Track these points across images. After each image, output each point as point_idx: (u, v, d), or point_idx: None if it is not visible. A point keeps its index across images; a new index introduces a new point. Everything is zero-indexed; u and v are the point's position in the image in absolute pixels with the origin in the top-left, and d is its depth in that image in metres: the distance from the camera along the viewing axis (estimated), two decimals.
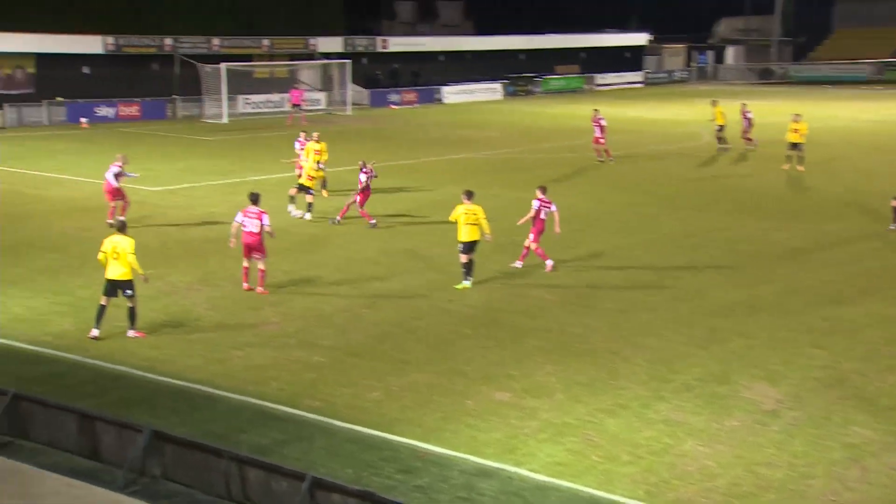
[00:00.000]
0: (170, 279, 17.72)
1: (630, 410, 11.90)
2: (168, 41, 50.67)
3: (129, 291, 14.37)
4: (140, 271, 14.38)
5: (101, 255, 14.47)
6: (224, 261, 19.04)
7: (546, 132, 43.60)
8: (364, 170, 22.83)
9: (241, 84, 50.60)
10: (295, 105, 47.43)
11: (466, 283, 17.28)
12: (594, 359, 13.73)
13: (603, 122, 33.44)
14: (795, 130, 31.60)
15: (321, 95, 55.70)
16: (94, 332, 14.34)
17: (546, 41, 72.80)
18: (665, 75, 79.45)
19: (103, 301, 14.40)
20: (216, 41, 52.49)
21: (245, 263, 17.03)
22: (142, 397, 12.09)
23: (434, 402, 12.05)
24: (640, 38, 79.77)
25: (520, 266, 18.69)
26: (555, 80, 69.98)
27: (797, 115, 32.34)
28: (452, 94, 61.65)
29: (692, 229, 22.53)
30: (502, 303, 16.43)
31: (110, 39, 48.72)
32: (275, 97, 52.16)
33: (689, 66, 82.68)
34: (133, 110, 48.13)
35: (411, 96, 59.46)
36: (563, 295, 16.92)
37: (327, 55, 57.25)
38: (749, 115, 36.18)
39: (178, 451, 9.93)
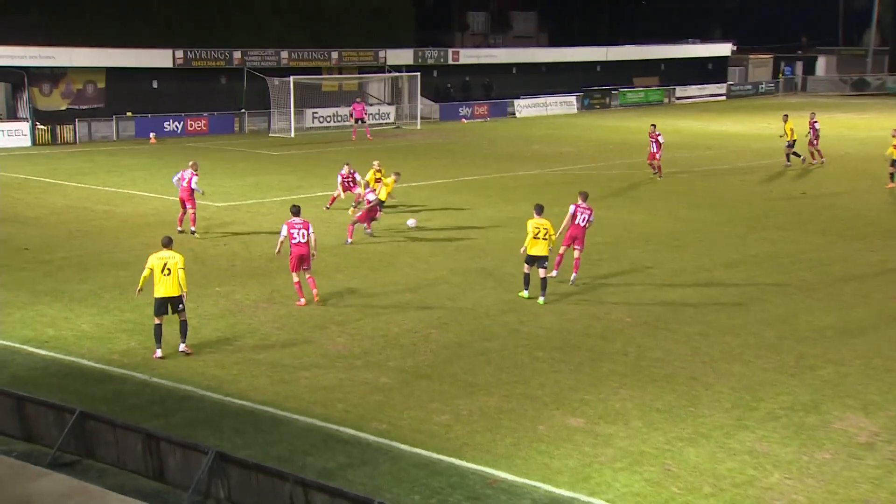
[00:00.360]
0: (235, 297, 18.03)
1: (712, 440, 11.69)
2: (237, 55, 51.74)
3: (180, 306, 14.65)
4: (185, 287, 14.59)
5: (146, 272, 14.58)
6: (290, 279, 19.32)
7: (623, 147, 43.26)
8: (368, 189, 23.27)
9: (309, 97, 51.34)
10: (358, 119, 47.96)
11: (525, 294, 17.78)
12: (673, 385, 13.53)
13: (661, 139, 33.27)
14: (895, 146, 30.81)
15: (390, 109, 56.21)
16: (158, 353, 14.65)
17: (623, 52, 72.32)
18: (750, 87, 78.16)
19: (157, 320, 14.63)
20: (285, 54, 53.40)
21: (296, 278, 17.53)
22: (207, 418, 12.31)
23: (504, 427, 12.01)
24: (723, 49, 78.66)
25: (574, 279, 18.77)
26: (633, 93, 69.44)
27: None
28: (525, 107, 61.62)
29: (780, 250, 22.10)
30: (577, 324, 16.33)
31: (179, 53, 49.94)
32: (343, 110, 52.75)
33: (776, 77, 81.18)
34: (201, 125, 49.19)
35: (483, 110, 59.61)
36: (642, 317, 16.74)
37: (397, 68, 57.75)
38: (816, 126, 35.91)
39: (243, 473, 10.08)
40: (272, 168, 36.38)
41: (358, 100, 50.53)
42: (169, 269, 14.49)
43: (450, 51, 62.93)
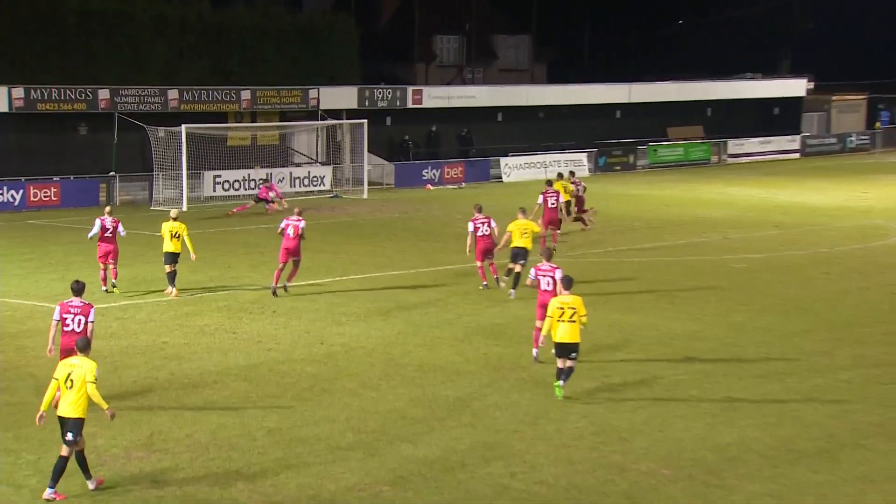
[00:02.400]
0: (97, 442, 17.78)
1: None
2: (103, 94, 51.69)
3: (69, 436, 15.37)
4: (103, 405, 15.48)
5: (52, 384, 15.64)
6: (178, 415, 19.15)
7: (655, 225, 43.71)
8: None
9: (210, 155, 51.33)
10: (262, 200, 46.98)
11: (560, 384, 19.87)
12: None
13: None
14: None
15: (325, 171, 56.48)
16: (49, 494, 15.29)
17: (654, 92, 73.45)
18: (835, 141, 79.48)
19: (64, 452, 15.41)
20: (173, 94, 53.53)
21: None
22: None
23: None
24: (795, 87, 79.97)
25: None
26: (667, 149, 70.50)
27: None
28: (516, 168, 62.32)
29: (883, 373, 22.24)
30: (591, 478, 16.29)
31: (18, 92, 49.76)
32: (258, 172, 52.91)
33: (872, 127, 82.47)
34: (49, 194, 48.93)
35: (456, 172, 60.18)
36: (684, 468, 16.75)
37: (335, 113, 58.24)
38: (578, 186, 40.41)
39: None
40: (154, 255, 36.19)
41: (265, 182, 49.23)
42: (72, 381, 15.31)
43: (409, 89, 63.60)
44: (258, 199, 47.54)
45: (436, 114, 63.73)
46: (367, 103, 59.86)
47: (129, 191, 51.11)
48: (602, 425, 18.68)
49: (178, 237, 28.90)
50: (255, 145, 56.25)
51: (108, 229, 29.16)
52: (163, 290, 29.38)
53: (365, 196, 53.62)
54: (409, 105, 62.38)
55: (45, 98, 50.49)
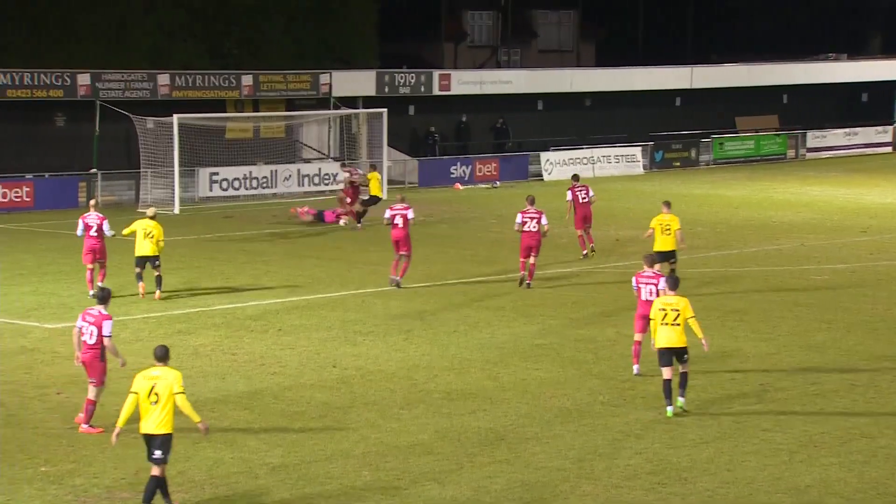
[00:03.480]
0: (74, 482, 17.74)
1: None
2: (83, 79, 51.75)
3: (157, 453, 16.11)
4: (195, 417, 16.25)
5: (131, 398, 16.26)
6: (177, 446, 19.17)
7: (721, 230, 43.51)
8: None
9: (206, 149, 51.31)
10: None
11: (670, 410, 20.50)
12: None
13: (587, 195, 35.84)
14: None
15: (338, 168, 56.28)
16: None
17: (720, 76, 73.08)
18: None
19: (156, 472, 16.14)
20: (164, 79, 53.58)
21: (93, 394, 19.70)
22: None
23: None
24: (887, 69, 79.25)
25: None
26: (735, 142, 70.14)
27: None
28: (558, 164, 62.12)
29: None
30: None
31: None
32: (261, 170, 52.78)
33: None
34: (22, 194, 48.97)
35: (489, 169, 60.03)
36: None
37: (349, 101, 58.19)
38: (351, 175, 43.32)
39: None
40: None
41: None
42: (157, 395, 15.89)
43: (435, 74, 63.45)
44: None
45: (466, 102, 63.63)
46: (386, 90, 59.81)
47: (114, 190, 51.06)
48: (659, 463, 18.59)
49: (152, 237, 29.36)
50: (258, 138, 56.21)
51: (92, 227, 29.93)
52: (153, 298, 30.01)
53: (384, 196, 53.51)
54: (436, 92, 62.29)
55: (16, 84, 50.49)
